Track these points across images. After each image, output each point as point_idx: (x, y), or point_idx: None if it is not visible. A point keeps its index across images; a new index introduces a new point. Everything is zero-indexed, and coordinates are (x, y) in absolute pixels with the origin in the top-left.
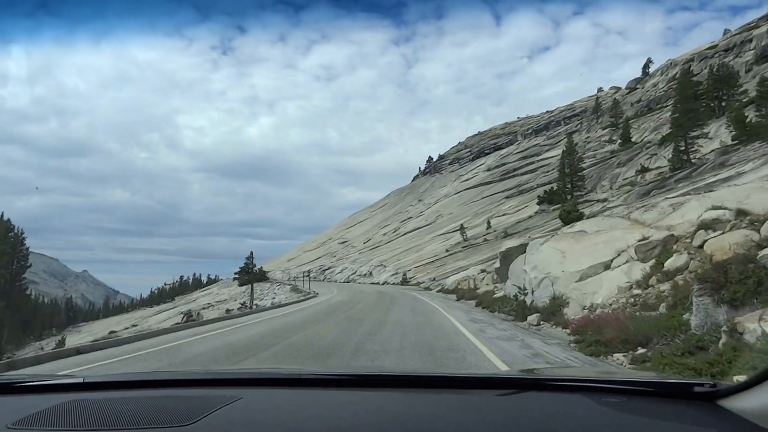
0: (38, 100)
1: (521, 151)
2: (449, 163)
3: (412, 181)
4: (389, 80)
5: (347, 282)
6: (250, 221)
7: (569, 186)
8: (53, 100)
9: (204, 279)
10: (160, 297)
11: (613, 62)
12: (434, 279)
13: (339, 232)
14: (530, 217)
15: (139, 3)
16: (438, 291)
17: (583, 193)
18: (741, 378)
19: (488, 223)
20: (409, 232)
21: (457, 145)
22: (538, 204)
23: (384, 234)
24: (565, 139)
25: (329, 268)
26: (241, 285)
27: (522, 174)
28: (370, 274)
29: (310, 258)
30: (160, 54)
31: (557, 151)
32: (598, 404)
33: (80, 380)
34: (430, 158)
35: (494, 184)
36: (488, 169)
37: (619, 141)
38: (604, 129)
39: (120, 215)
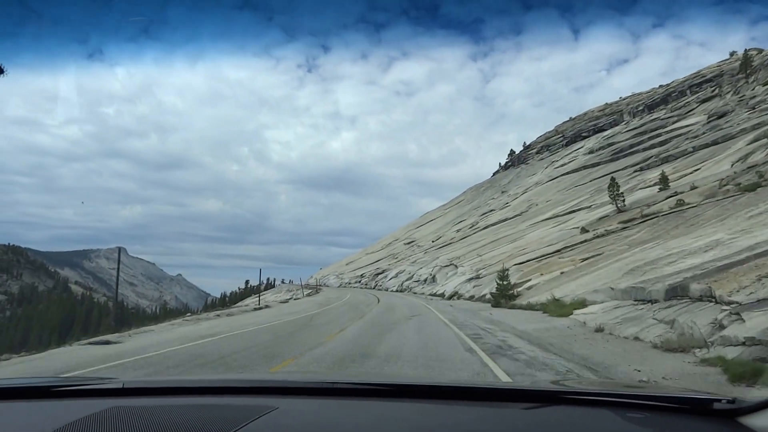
0: (140, 118)
1: (634, 129)
2: (537, 152)
3: (493, 175)
4: (467, 95)
5: (399, 291)
6: (333, 230)
7: None
8: (154, 117)
9: (278, 283)
10: (224, 302)
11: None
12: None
13: (406, 233)
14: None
15: (231, 26)
16: None
17: None
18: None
19: (664, 184)
20: (492, 225)
21: (545, 133)
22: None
23: (458, 230)
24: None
25: (383, 273)
26: None
27: (646, 149)
28: (433, 278)
29: (370, 261)
30: (250, 73)
31: (692, 120)
32: (622, 419)
33: (120, 386)
34: (512, 151)
35: (605, 165)
36: (590, 152)
37: None
38: (764, 85)
39: (213, 223)
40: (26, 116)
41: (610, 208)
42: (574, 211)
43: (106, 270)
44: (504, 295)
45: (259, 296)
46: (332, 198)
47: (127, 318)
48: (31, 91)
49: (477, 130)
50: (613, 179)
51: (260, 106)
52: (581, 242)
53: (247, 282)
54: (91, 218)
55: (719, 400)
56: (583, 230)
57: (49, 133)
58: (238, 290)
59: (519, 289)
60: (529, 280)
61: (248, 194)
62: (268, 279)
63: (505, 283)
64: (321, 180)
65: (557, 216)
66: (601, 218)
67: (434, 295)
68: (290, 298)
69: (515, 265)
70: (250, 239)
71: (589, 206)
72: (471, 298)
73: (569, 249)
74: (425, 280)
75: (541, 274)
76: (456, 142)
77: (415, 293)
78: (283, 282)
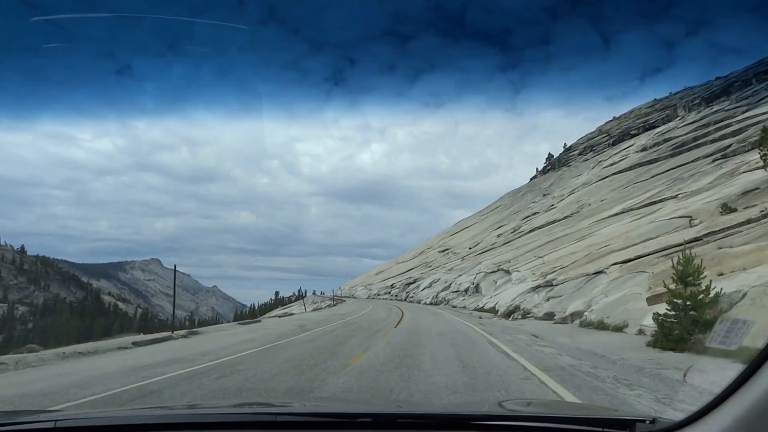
0: (170, 131)
1: (694, 122)
2: (579, 154)
3: (531, 180)
4: (497, 105)
5: (434, 303)
6: (365, 242)
7: None
8: (183, 131)
9: (308, 294)
10: (253, 313)
11: None
12: None
13: (440, 240)
14: None
15: (257, 40)
16: None
17: None
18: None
19: None
20: (539, 227)
21: (587, 134)
22: None
23: (498, 235)
24: None
25: (415, 282)
26: None
27: (716, 140)
28: (476, 288)
29: (400, 270)
30: (278, 86)
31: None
32: None
33: (51, 425)
34: (550, 155)
35: (666, 160)
36: (643, 149)
37: None
38: None
39: (247, 236)
40: (60, 131)
41: (746, 183)
42: (654, 203)
43: (141, 281)
44: (699, 323)
45: (173, 317)
46: (363, 210)
47: (151, 329)
48: (64, 106)
49: (508, 140)
50: (767, 129)
51: (289, 119)
52: (742, 223)
53: (276, 293)
54: (126, 231)
55: (642, 421)
56: (727, 208)
57: (83, 147)
58: (270, 301)
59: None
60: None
61: (280, 207)
62: (299, 290)
63: (694, 292)
64: (352, 192)
65: (631, 210)
66: (744, 193)
67: (481, 309)
68: (283, 315)
69: (614, 264)
70: (283, 251)
71: (675, 195)
72: (549, 317)
73: (722, 234)
74: (466, 290)
75: (721, 274)
76: (487, 154)
77: (453, 307)
78: (314, 293)
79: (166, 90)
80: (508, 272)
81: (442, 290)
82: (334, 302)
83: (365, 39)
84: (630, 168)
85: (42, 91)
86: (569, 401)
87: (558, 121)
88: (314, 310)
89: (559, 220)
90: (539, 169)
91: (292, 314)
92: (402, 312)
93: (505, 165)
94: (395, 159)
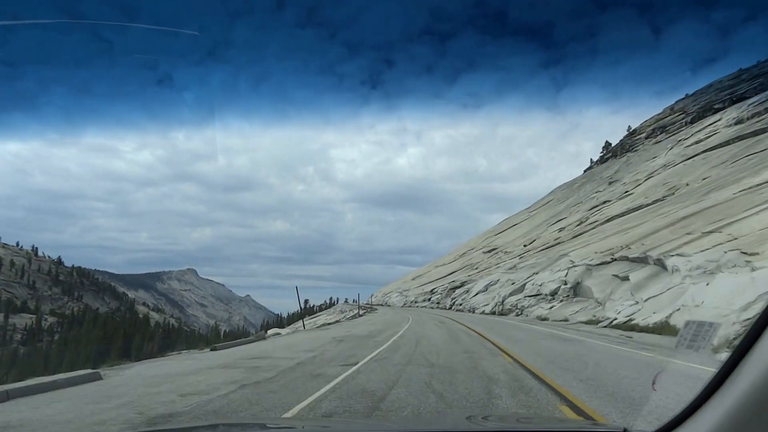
0: (208, 141)
1: None
2: (647, 137)
3: (585, 171)
4: (538, 104)
5: (499, 313)
6: (400, 248)
7: None
8: (221, 140)
9: (340, 301)
10: (280, 322)
11: None
12: None
13: (485, 240)
14: None
15: (294, 45)
16: None
17: None
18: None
19: None
20: (619, 215)
21: (655, 116)
22: None
23: (560, 229)
24: None
25: (462, 286)
26: None
27: None
28: (573, 290)
29: (441, 273)
30: (314, 92)
31: None
32: None
33: None
34: (608, 143)
35: None
36: (739, 122)
37: None
38: None
39: (281, 244)
40: (103, 143)
41: None
42: None
43: (177, 291)
44: None
45: None
46: (399, 216)
47: (173, 342)
48: (107, 118)
49: (549, 140)
50: None
51: (325, 125)
52: None
53: (306, 301)
54: (164, 241)
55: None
56: None
57: (124, 159)
58: (298, 310)
59: None
60: None
61: (314, 214)
62: (331, 299)
63: None
64: (387, 198)
65: None
66: None
67: (627, 326)
68: (257, 338)
69: None
70: (317, 259)
71: None
72: None
73: None
74: (554, 294)
75: None
76: (527, 154)
77: (542, 320)
78: (346, 301)
79: (204, 99)
80: (646, 260)
81: (510, 294)
82: (361, 312)
83: (403, 39)
84: (727, 143)
85: (87, 104)
86: (543, 415)
87: (602, 119)
88: (324, 325)
89: (647, 205)
90: (593, 159)
91: (277, 335)
92: (489, 339)
93: (546, 166)
94: (432, 162)
